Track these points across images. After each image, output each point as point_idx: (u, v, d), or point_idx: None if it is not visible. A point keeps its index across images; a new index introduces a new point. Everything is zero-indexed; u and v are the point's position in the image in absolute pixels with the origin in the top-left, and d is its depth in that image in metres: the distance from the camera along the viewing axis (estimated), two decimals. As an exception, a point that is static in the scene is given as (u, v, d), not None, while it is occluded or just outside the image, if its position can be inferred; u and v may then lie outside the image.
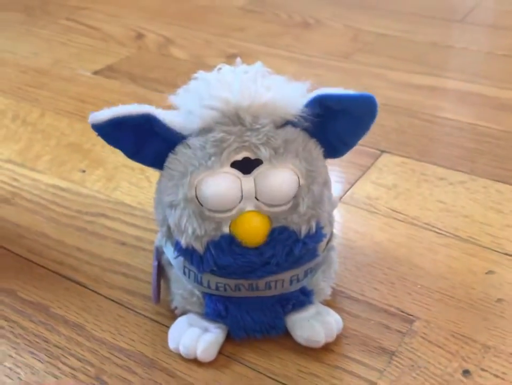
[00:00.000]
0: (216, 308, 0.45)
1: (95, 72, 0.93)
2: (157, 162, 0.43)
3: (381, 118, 0.76)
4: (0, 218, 0.62)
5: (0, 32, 1.10)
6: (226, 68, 0.43)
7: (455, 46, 0.99)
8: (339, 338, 0.47)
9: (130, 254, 0.57)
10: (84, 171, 0.69)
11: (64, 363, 0.46)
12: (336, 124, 0.43)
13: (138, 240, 0.58)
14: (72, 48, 1.02)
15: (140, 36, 1.06)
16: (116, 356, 0.47)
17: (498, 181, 0.65)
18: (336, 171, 0.67)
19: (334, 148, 0.45)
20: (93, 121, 0.41)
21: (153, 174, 0.45)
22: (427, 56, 0.95)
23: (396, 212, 0.61)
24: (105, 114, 0.40)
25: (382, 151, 0.71)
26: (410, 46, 0.99)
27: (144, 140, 0.43)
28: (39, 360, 0.47)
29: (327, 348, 0.46)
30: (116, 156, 0.70)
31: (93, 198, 0.65)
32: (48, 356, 0.47)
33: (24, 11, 1.19)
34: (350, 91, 0.42)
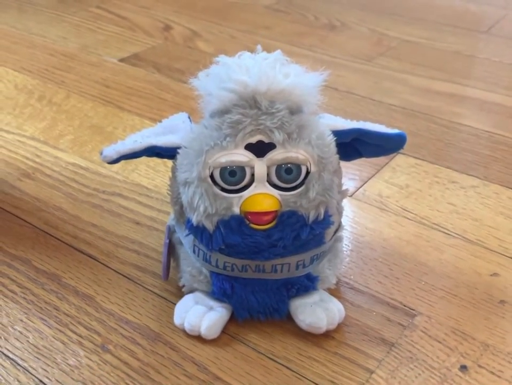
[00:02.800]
0: (222, 287, 0.47)
1: (121, 60, 0.95)
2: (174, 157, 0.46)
3: (398, 121, 0.78)
4: (20, 191, 0.64)
5: (32, 16, 1.13)
6: (246, 54, 0.45)
7: (477, 56, 1.00)
8: (340, 326, 0.48)
9: (143, 233, 0.58)
10: (104, 152, 0.71)
11: (72, 331, 0.48)
12: (361, 147, 0.47)
13: (152, 220, 0.60)
14: (100, 36, 1.04)
15: (167, 28, 1.08)
16: (123, 328, 0.48)
17: (510, 188, 0.65)
18: (350, 169, 0.68)
19: (348, 156, 0.48)
20: (105, 161, 0.45)
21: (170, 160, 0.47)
22: (449, 64, 0.96)
23: (407, 210, 0.62)
24: (112, 155, 0.45)
25: (398, 152, 0.72)
26: (433, 54, 1.00)
27: (156, 154, 0.46)
28: (48, 326, 0.48)
29: (328, 335, 0.47)
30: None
31: (111, 178, 0.66)
32: (57, 323, 0.48)
33: (57, -3, 1.22)
34: (387, 129, 0.46)
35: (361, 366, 0.45)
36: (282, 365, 0.45)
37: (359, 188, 0.65)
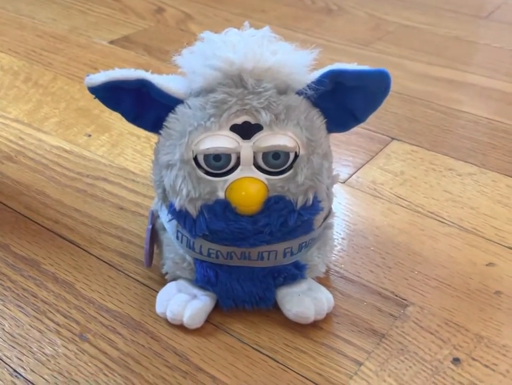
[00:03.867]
0: (206, 275, 0.45)
1: (111, 42, 0.92)
2: (158, 127, 0.43)
3: (394, 106, 0.76)
4: (1, 174, 0.62)
5: (22, -3, 1.10)
6: (233, 30, 0.42)
7: (477, 42, 0.97)
8: (329, 316, 0.46)
9: (127, 218, 0.56)
10: (89, 135, 0.69)
11: (49, 319, 0.46)
12: (347, 98, 0.42)
13: (137, 206, 0.58)
14: (90, 17, 1.01)
15: (160, 10, 1.05)
16: (103, 316, 0.46)
17: (508, 176, 0.63)
18: (344, 155, 0.66)
19: (342, 122, 0.44)
20: (89, 84, 0.41)
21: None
22: (448, 50, 0.94)
23: (401, 198, 0.60)
24: (100, 77, 0.40)
25: (393, 138, 0.69)
26: (432, 39, 0.97)
27: (143, 104, 0.42)
28: (25, 314, 0.46)
29: (316, 325, 0.45)
30: (123, 124, 0.69)
31: (96, 161, 0.64)
32: (34, 311, 0.47)
33: (48, -22, 1.18)
34: (364, 67, 0.41)
35: (350, 357, 0.43)
36: (268, 356, 0.43)
37: (352, 174, 0.63)
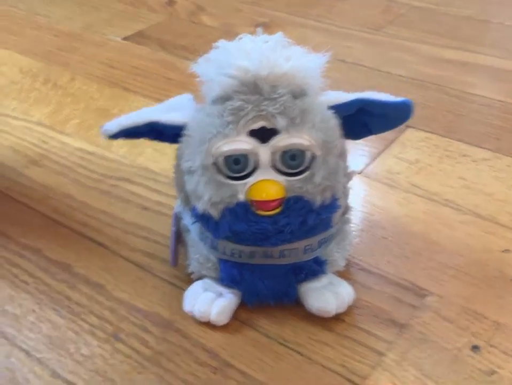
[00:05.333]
0: (231, 274, 0.47)
1: (125, 38, 0.94)
2: (179, 140, 0.45)
3: (408, 92, 0.77)
4: (29, 179, 0.64)
5: (35, -4, 1.11)
6: (246, 37, 0.44)
7: (491, 20, 0.97)
8: (350, 308, 0.48)
9: (151, 218, 0.58)
10: (110, 136, 0.70)
11: (84, 320, 0.48)
12: (367, 120, 0.46)
13: (160, 205, 0.60)
14: (104, 13, 1.03)
15: (171, 2, 1.06)
16: (134, 316, 0.48)
17: (524, 160, 0.64)
18: (359, 144, 0.67)
19: (356, 133, 0.47)
20: (104, 135, 0.44)
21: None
22: (461, 31, 0.93)
23: (416, 187, 0.61)
24: (113, 128, 0.44)
25: (407, 126, 0.70)
26: (444, 20, 0.97)
27: (158, 133, 0.45)
28: (60, 316, 0.49)
29: (338, 318, 0.47)
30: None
31: (118, 162, 0.66)
32: (69, 313, 0.49)
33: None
34: (390, 98, 0.44)
35: (372, 348, 0.45)
36: (293, 350, 0.45)
37: (368, 165, 0.65)
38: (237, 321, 0.48)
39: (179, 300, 0.49)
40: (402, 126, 0.70)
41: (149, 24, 0.98)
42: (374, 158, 0.66)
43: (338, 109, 0.43)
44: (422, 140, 0.68)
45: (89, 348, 0.46)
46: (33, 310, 0.49)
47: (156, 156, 0.67)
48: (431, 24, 0.95)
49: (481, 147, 0.66)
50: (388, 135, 0.68)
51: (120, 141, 0.68)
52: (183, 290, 0.50)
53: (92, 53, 0.90)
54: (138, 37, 0.94)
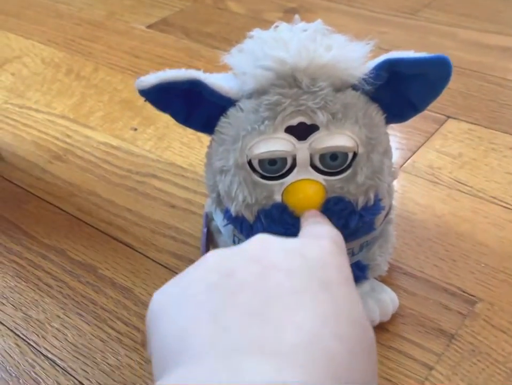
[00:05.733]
0: None
1: (149, 26, 0.90)
2: (208, 127, 0.41)
3: (448, 80, 0.72)
4: (52, 176, 0.62)
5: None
6: (283, 25, 0.40)
7: (532, 2, 0.92)
8: (394, 316, 0.45)
9: (179, 217, 0.55)
10: (135, 129, 0.68)
11: (111, 327, 0.46)
12: (405, 88, 0.40)
13: (188, 203, 0.57)
14: (126, 0, 1.00)
15: (196, -12, 1.02)
16: (163, 323, 0.46)
17: None
18: (397, 137, 0.63)
19: (400, 113, 0.42)
20: (140, 86, 0.39)
21: (205, 135, 0.43)
22: (501, 14, 0.88)
23: (461, 183, 0.57)
24: (151, 79, 0.39)
25: (448, 117, 0.66)
26: (483, 3, 0.92)
27: (194, 105, 0.41)
28: (86, 322, 0.46)
29: (381, 327, 0.44)
30: (168, 116, 0.68)
31: (144, 157, 0.63)
32: (95, 319, 0.47)
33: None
34: (422, 54, 0.38)
35: (419, 361, 0.42)
36: (333, 361, 0.42)
37: (407, 159, 0.61)
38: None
39: (211, 305, 0.46)
40: (442, 117, 0.66)
41: (173, 11, 0.95)
42: (413, 151, 0.62)
43: (367, 81, 0.38)
44: (465, 132, 0.64)
45: (116, 357, 0.44)
46: (58, 316, 0.47)
47: (184, 150, 0.64)
48: (469, 7, 0.90)
49: (529, 140, 0.62)
50: (428, 126, 0.65)
51: (145, 135, 0.66)
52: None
53: (115, 42, 0.87)
54: (162, 25, 0.91)
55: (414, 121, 0.65)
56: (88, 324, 0.46)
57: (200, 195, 0.57)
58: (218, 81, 0.39)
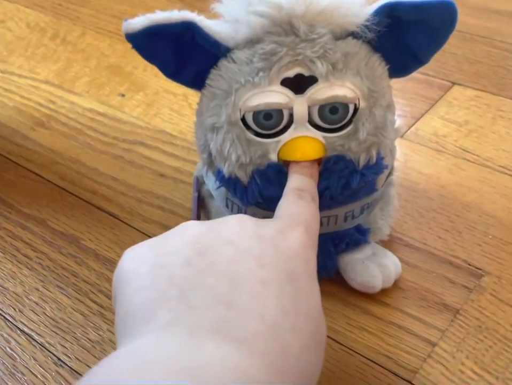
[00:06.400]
0: None
1: (142, -11, 0.86)
2: (199, 81, 0.38)
3: (453, 46, 0.69)
4: (34, 143, 0.58)
5: None
6: (279, -31, 0.36)
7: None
8: (395, 290, 0.42)
9: (168, 186, 0.52)
10: (123, 95, 0.64)
11: (92, 300, 0.43)
12: (407, 36, 0.36)
13: (178, 172, 0.54)
14: (117, -36, 0.95)
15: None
16: (148, 296, 0.43)
17: None
18: (399, 104, 0.60)
19: (402, 65, 0.38)
20: (128, 29, 0.35)
21: (196, 100, 0.40)
22: (509, -21, 0.84)
23: (467, 151, 0.54)
24: (141, 21, 0.35)
25: (454, 83, 0.63)
26: (490, -33, 0.88)
27: (185, 54, 0.37)
28: (66, 295, 0.43)
29: (381, 301, 0.41)
30: (158, 81, 0.65)
31: (131, 124, 0.60)
32: (76, 292, 0.44)
33: None
34: None
35: (421, 337, 0.39)
36: (330, 338, 0.39)
37: (411, 127, 0.57)
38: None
39: (199, 278, 0.43)
40: (448, 84, 0.63)
41: (166, -25, 0.91)
42: (417, 119, 0.58)
43: (372, 24, 0.35)
44: (471, 99, 0.60)
45: (98, 333, 0.41)
46: (37, 289, 0.44)
47: (174, 117, 0.60)
48: (476, -28, 0.86)
49: (538, 107, 0.59)
50: (432, 93, 0.61)
51: (134, 101, 0.63)
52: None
53: (104, 6, 0.83)
54: (154, -11, 0.86)
55: (418, 87, 0.63)
56: (69, 298, 0.43)
57: (190, 164, 0.54)
58: (214, 25, 0.36)
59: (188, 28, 0.35)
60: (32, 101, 0.64)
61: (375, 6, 0.35)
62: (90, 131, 0.59)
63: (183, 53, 0.37)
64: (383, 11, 0.35)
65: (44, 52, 0.73)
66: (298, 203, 0.32)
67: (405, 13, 0.35)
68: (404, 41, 0.36)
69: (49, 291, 0.44)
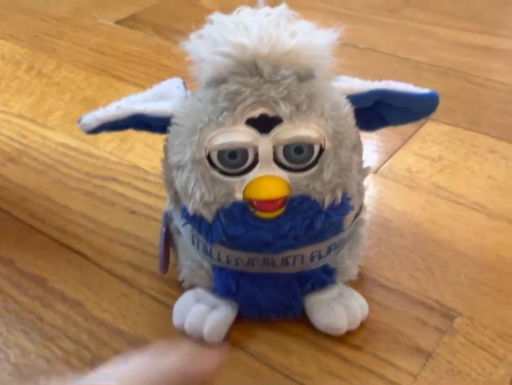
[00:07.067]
0: (226, 283, 0.40)
1: (118, 22, 0.86)
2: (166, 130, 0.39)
3: (427, 80, 0.69)
4: (3, 178, 0.57)
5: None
6: (245, 10, 0.37)
7: (513, 1, 0.89)
8: (367, 332, 0.41)
9: (139, 224, 0.51)
10: (97, 129, 0.64)
11: (58, 346, 0.42)
12: (385, 111, 0.39)
13: (149, 209, 0.53)
14: (95, -4, 0.96)
15: (168, -16, 0.99)
16: (116, 341, 0.42)
17: (560, 157, 0.57)
18: (373, 140, 0.60)
19: (369, 124, 0.40)
20: (83, 130, 0.39)
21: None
22: (482, 13, 0.86)
23: (440, 187, 0.54)
24: (92, 122, 0.38)
25: (427, 118, 0.63)
26: (463, 1, 0.89)
27: (145, 125, 0.39)
28: (31, 341, 0.42)
29: (352, 344, 0.41)
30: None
31: (104, 159, 0.59)
32: (41, 337, 0.42)
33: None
34: (413, 89, 0.38)
35: (393, 382, 0.38)
36: (301, 384, 0.39)
37: (384, 162, 0.57)
38: (234, 345, 0.41)
39: (168, 321, 0.42)
40: (421, 119, 0.63)
41: (143, 6, 0.91)
42: (391, 154, 0.58)
43: (352, 101, 0.37)
44: (445, 135, 0.61)
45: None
46: (0, 333, 0.43)
47: (148, 152, 0.60)
48: (450, 5, 0.88)
49: (510, 142, 0.59)
50: (406, 128, 0.62)
51: (108, 136, 0.62)
52: (172, 309, 0.43)
53: (80, 38, 0.82)
54: (131, 21, 0.87)
55: (392, 122, 0.63)
56: (33, 343, 0.42)
57: (163, 200, 0.53)
58: (159, 106, 0.38)
59: (138, 118, 0.38)
60: (3, 136, 0.63)
61: (365, 88, 0.37)
62: (62, 167, 0.58)
63: (141, 125, 0.39)
64: (377, 94, 0.37)
65: (18, 84, 0.73)
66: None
67: (395, 100, 0.38)
68: (381, 113, 0.39)
69: (13, 336, 0.43)
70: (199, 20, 0.92)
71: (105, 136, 0.62)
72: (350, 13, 0.86)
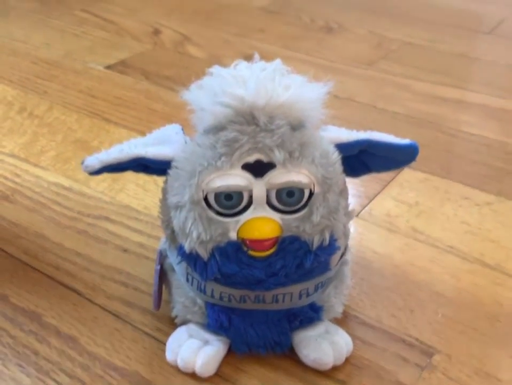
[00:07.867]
0: (219, 319, 0.42)
1: (108, 67, 0.89)
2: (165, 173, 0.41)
3: (403, 131, 0.74)
4: (-3, 216, 0.59)
5: (14, 21, 1.07)
6: (242, 64, 0.40)
7: (482, 58, 0.95)
8: (350, 368, 0.43)
9: (131, 262, 0.53)
10: (89, 170, 0.66)
11: (53, 379, 0.43)
12: (369, 159, 0.43)
13: (141, 247, 0.55)
14: (85, 41, 0.99)
15: (156, 32, 1.03)
16: (110, 375, 0.43)
17: (528, 204, 0.61)
18: (354, 184, 0.63)
19: (354, 171, 0.44)
20: (86, 171, 0.41)
21: (161, 177, 0.42)
22: (454, 68, 0.91)
23: (418, 232, 0.57)
24: (95, 164, 0.41)
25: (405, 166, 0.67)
26: (436, 56, 0.95)
27: (145, 167, 0.42)
28: (26, 375, 0.43)
29: (337, 379, 0.43)
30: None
31: (96, 199, 0.61)
32: (37, 371, 0.43)
33: (39, 0, 1.16)
34: (396, 140, 0.42)
35: (377, 416, 0.41)
36: (289, 417, 0.40)
37: (365, 207, 0.61)
38: (221, 377, 0.43)
39: (161, 356, 0.44)
40: (399, 166, 0.66)
41: (133, 53, 0.94)
42: (371, 199, 0.62)
43: (339, 149, 0.40)
44: (421, 182, 0.64)
45: (58, 413, 0.41)
46: (-4, 367, 0.44)
47: (139, 192, 0.62)
48: (423, 60, 0.93)
49: (483, 190, 0.63)
50: (384, 175, 0.65)
51: (100, 176, 0.64)
52: (165, 344, 0.45)
53: (72, 81, 0.85)
54: (121, 66, 0.90)
55: (372, 169, 0.66)
56: (29, 376, 0.43)
57: (154, 239, 0.55)
58: (160, 150, 0.41)
59: (140, 161, 0.40)
60: (-3, 175, 0.65)
61: (351, 138, 0.41)
62: (54, 206, 0.60)
63: (142, 167, 0.42)
64: (362, 144, 0.41)
65: (11, 125, 0.74)
66: None
67: (378, 150, 0.41)
68: (365, 161, 0.43)
69: (8, 370, 0.43)
70: (186, 67, 0.97)
71: (96, 176, 0.64)
72: (330, 65, 0.91)
